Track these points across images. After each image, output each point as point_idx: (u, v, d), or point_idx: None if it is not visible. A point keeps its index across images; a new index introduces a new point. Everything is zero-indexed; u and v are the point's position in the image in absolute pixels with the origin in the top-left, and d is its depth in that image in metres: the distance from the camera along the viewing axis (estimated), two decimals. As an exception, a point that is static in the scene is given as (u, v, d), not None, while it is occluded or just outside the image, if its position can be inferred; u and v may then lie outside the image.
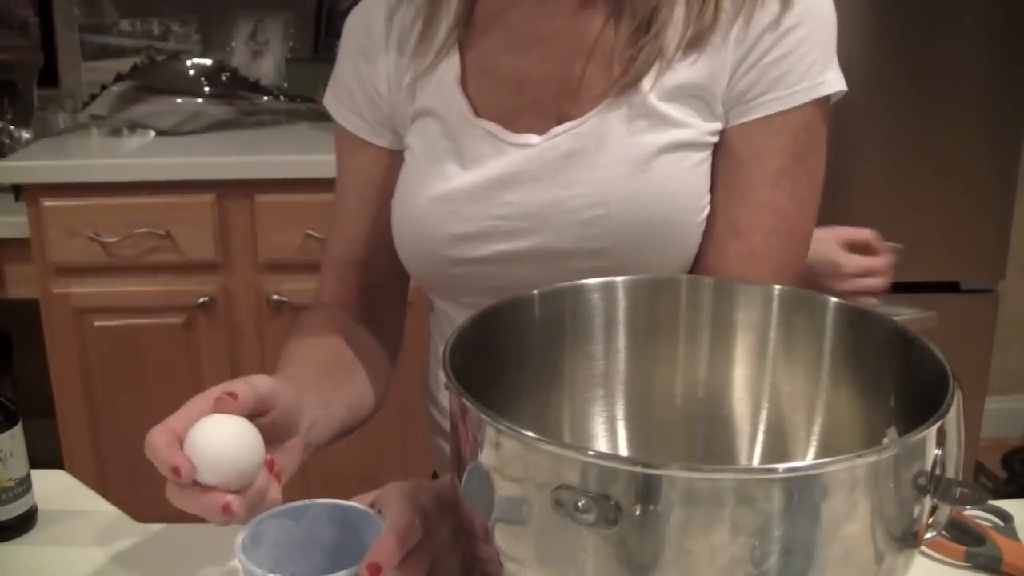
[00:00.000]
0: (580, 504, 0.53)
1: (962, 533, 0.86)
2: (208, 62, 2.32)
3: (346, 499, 0.71)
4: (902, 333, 0.68)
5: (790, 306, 0.76)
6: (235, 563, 0.75)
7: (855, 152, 2.17)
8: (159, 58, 2.42)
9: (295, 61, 2.49)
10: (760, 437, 0.77)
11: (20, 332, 2.46)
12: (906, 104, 2.16)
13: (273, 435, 0.73)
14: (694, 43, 0.85)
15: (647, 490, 0.52)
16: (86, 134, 2.30)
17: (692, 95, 0.85)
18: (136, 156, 2.10)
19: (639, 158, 0.84)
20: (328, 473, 1.73)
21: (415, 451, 2.11)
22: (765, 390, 0.77)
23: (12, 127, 2.28)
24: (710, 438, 0.79)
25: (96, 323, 2.08)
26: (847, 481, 0.53)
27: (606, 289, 0.78)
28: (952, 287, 2.27)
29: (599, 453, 0.59)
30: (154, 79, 2.29)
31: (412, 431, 2.07)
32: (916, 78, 2.15)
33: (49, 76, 2.53)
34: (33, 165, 2.04)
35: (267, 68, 2.54)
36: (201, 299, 2.06)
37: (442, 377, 0.62)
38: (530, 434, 0.55)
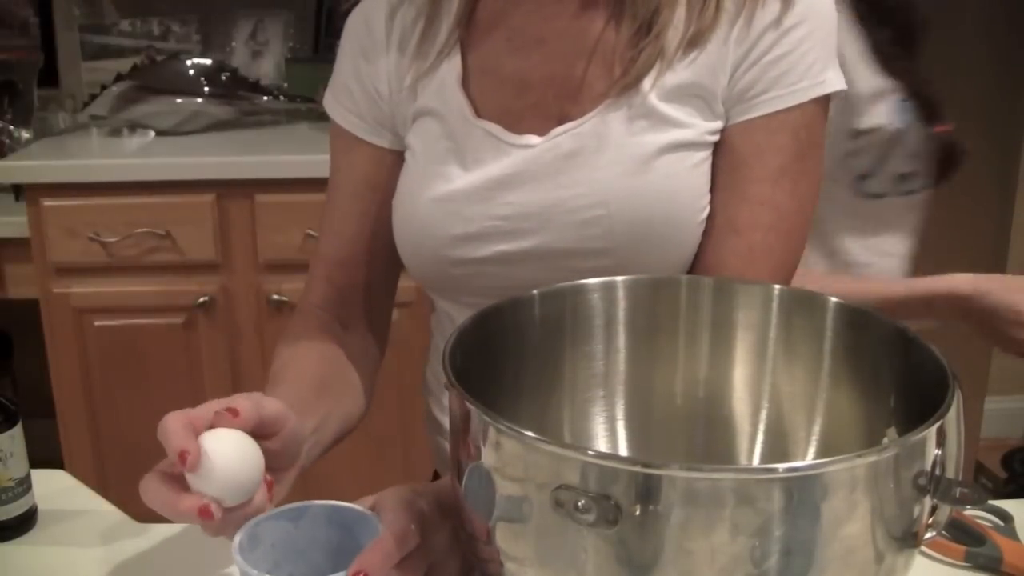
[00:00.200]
0: (580, 504, 0.53)
1: (962, 533, 0.86)
2: (208, 62, 2.32)
3: (345, 500, 0.71)
4: (902, 333, 0.68)
5: (790, 306, 0.76)
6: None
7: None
8: (159, 58, 2.42)
9: (295, 61, 2.49)
10: (760, 437, 0.77)
11: (20, 332, 2.46)
12: (906, 104, 2.16)
13: (277, 463, 0.72)
14: (694, 42, 0.85)
15: (647, 490, 0.52)
16: (86, 134, 2.30)
17: (692, 95, 0.85)
18: (136, 156, 2.10)
19: (639, 158, 0.85)
20: (327, 473, 1.73)
21: (415, 451, 2.11)
22: (765, 390, 0.77)
23: (12, 127, 2.28)
24: (710, 438, 0.79)
25: (96, 323, 2.08)
26: (847, 481, 0.53)
27: (606, 289, 0.78)
28: (952, 287, 2.27)
29: (599, 453, 0.59)
30: (154, 79, 2.28)
31: (412, 431, 2.07)
32: (916, 78, 2.15)
33: (49, 76, 2.53)
34: (33, 165, 2.04)
35: (267, 68, 2.54)
36: (201, 299, 2.06)
37: (443, 377, 0.62)
38: (530, 434, 0.55)
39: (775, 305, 0.76)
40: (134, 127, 2.26)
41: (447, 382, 0.61)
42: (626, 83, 0.85)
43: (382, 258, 0.98)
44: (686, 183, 0.85)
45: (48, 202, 2.02)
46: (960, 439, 0.61)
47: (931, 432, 0.56)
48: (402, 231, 0.93)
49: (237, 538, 0.66)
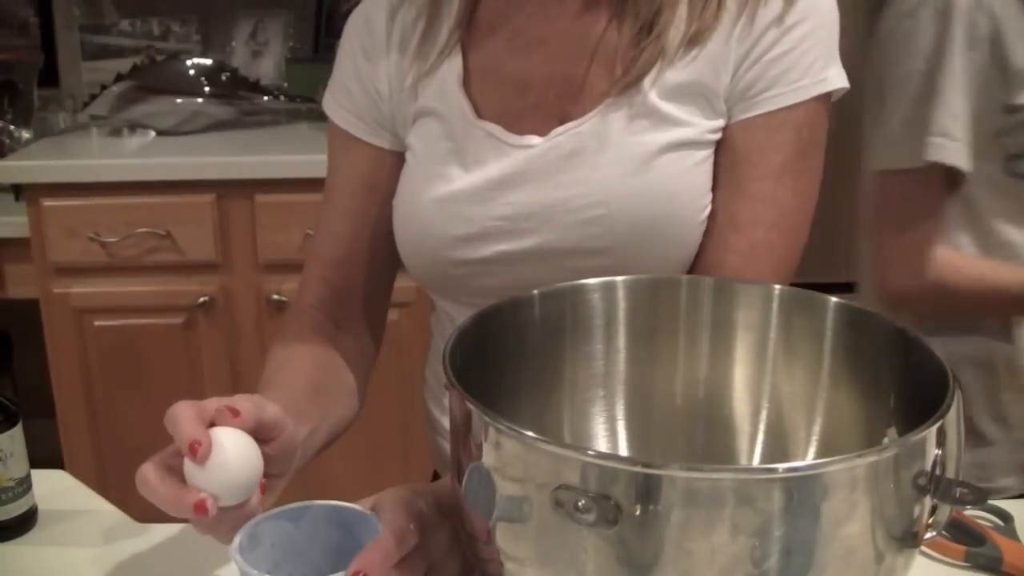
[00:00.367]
0: (580, 504, 0.53)
1: (962, 533, 0.85)
2: (208, 62, 2.32)
3: (345, 500, 0.71)
4: (902, 333, 0.68)
5: (790, 306, 0.76)
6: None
7: (856, 151, 2.17)
8: (159, 58, 2.42)
9: (295, 61, 2.49)
10: (760, 437, 0.77)
11: (20, 332, 2.46)
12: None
13: (271, 469, 0.72)
14: (696, 41, 0.85)
15: (647, 490, 0.52)
16: (86, 134, 2.30)
17: (694, 93, 0.85)
18: (136, 156, 2.11)
19: (640, 157, 0.84)
20: (327, 473, 1.73)
21: (415, 451, 2.11)
22: (765, 390, 0.77)
23: (12, 127, 2.28)
24: (710, 438, 0.79)
25: (96, 323, 2.08)
26: (847, 481, 0.53)
27: (606, 289, 0.78)
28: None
29: (599, 453, 0.59)
30: (154, 79, 2.29)
31: (412, 431, 2.07)
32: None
33: (49, 76, 2.53)
34: (33, 165, 2.04)
35: (267, 68, 2.54)
36: (201, 299, 2.06)
37: (443, 377, 0.62)
38: (530, 434, 0.55)
39: (775, 305, 0.76)
40: (134, 127, 2.26)
41: (447, 382, 0.61)
42: (627, 82, 0.85)
43: (378, 258, 0.98)
44: (687, 182, 0.85)
45: (48, 202, 2.02)
46: (960, 439, 0.61)
47: (931, 432, 0.56)
48: (402, 231, 0.93)
49: (237, 538, 0.66)
